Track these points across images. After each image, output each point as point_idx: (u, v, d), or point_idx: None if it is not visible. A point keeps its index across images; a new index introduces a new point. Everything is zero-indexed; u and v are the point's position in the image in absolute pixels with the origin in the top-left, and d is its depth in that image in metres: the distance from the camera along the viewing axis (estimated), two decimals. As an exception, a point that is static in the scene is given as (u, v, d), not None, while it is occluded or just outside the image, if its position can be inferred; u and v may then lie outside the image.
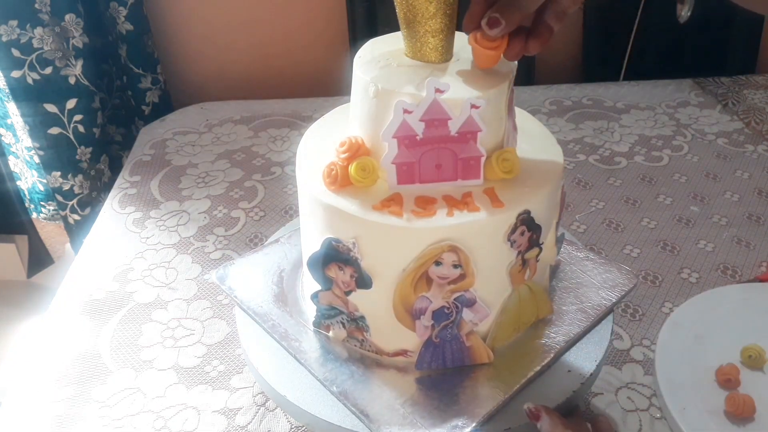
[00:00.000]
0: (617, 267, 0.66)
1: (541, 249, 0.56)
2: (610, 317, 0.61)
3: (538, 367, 0.56)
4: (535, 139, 0.59)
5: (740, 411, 0.60)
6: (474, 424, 0.51)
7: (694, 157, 1.04)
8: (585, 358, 0.58)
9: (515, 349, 0.58)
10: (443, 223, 0.50)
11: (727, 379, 0.63)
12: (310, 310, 0.60)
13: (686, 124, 1.13)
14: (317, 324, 0.59)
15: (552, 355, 0.57)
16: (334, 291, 0.55)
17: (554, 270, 0.64)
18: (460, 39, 0.54)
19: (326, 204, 0.52)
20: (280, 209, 0.94)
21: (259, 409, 0.65)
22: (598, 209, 0.92)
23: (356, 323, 0.56)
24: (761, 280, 0.77)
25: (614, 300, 0.62)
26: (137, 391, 0.67)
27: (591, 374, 0.56)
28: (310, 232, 0.57)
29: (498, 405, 0.53)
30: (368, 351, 0.57)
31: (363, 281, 0.53)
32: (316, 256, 0.54)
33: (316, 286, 0.56)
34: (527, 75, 1.31)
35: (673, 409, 0.60)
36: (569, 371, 0.57)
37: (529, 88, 1.25)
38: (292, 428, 0.63)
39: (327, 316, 0.58)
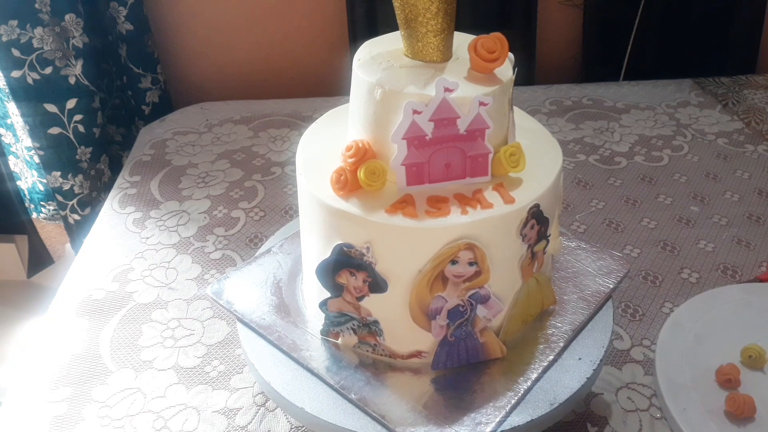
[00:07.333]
0: (609, 254, 0.67)
1: (548, 241, 0.56)
2: (610, 317, 0.62)
3: (552, 356, 0.56)
4: (532, 135, 0.59)
5: (740, 411, 0.60)
6: (498, 418, 0.51)
7: (694, 157, 1.04)
8: (585, 357, 0.58)
9: (524, 341, 0.58)
10: (458, 222, 0.50)
11: (727, 379, 0.63)
12: (315, 319, 0.60)
13: (686, 124, 1.13)
14: (325, 332, 0.58)
15: (561, 343, 0.57)
16: (344, 297, 0.55)
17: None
18: (457, 38, 0.54)
19: (337, 210, 0.51)
20: (280, 209, 0.94)
21: (259, 409, 0.65)
22: (598, 209, 0.92)
23: (368, 328, 0.56)
24: (761, 280, 0.77)
25: (611, 286, 0.63)
26: (137, 391, 0.67)
27: (591, 374, 0.56)
28: (316, 240, 0.56)
29: (519, 397, 0.53)
30: (381, 355, 0.57)
31: (377, 285, 0.52)
32: (326, 263, 0.53)
33: (324, 294, 0.55)
34: (527, 75, 1.31)
35: (674, 409, 0.60)
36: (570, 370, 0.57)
37: (529, 88, 1.25)
38: (292, 428, 0.63)
39: (336, 324, 0.57)
